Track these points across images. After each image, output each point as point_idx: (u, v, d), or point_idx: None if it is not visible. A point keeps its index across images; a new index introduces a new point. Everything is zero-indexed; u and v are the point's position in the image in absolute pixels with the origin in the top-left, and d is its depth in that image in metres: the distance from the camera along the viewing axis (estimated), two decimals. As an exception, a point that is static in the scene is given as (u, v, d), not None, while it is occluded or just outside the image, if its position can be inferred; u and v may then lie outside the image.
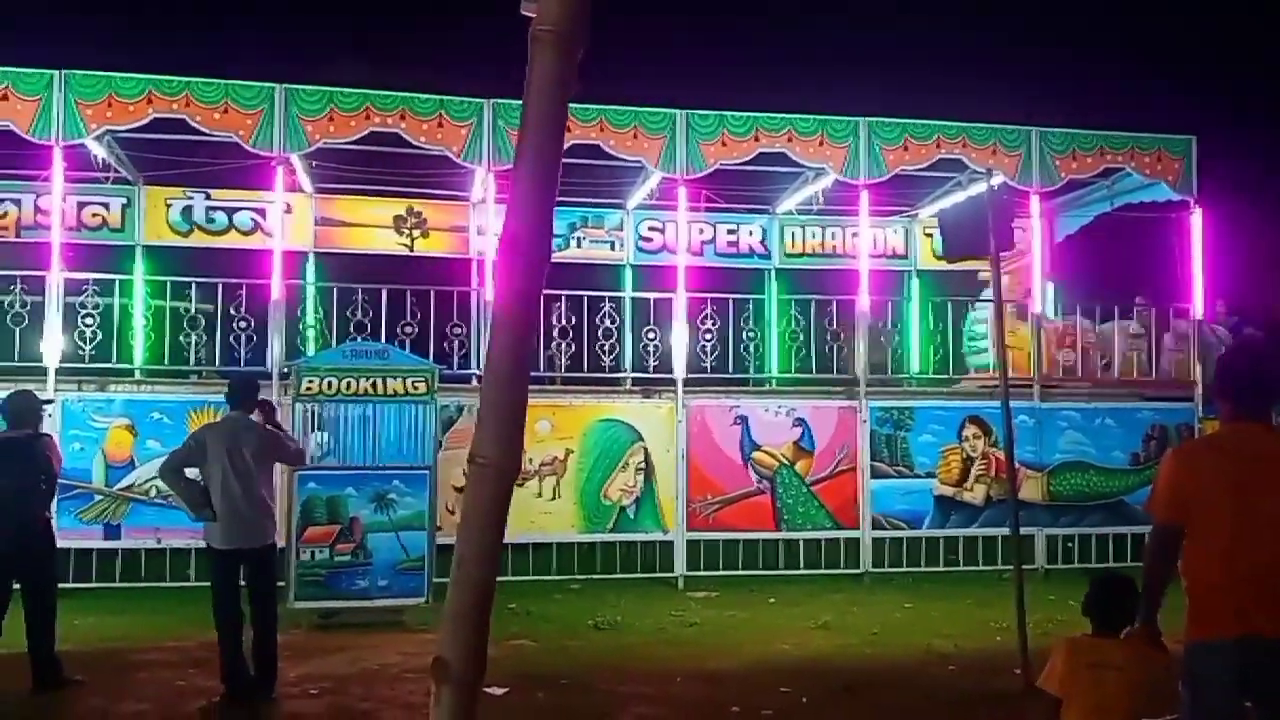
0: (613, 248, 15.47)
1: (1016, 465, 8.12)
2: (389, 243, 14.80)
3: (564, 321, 12.29)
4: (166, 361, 12.40)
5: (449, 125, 11.79)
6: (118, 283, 12.77)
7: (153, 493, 10.72)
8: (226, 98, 11.35)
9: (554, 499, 11.62)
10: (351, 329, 12.03)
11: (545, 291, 2.63)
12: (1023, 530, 8.28)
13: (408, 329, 11.97)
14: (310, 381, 9.83)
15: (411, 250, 14.83)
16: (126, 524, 10.89)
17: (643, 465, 11.88)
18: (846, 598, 10.98)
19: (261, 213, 14.06)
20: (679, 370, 12.17)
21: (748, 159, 12.56)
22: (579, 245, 15.25)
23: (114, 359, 11.94)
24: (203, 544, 7.38)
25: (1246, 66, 21.74)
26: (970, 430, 12.57)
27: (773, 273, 15.84)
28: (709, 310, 12.76)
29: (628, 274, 15.36)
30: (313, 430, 9.89)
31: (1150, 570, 4.02)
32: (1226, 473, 3.89)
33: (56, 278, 11.22)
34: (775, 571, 11.93)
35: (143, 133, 11.85)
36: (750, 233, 15.89)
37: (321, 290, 13.53)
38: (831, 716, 6.98)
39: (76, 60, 11.27)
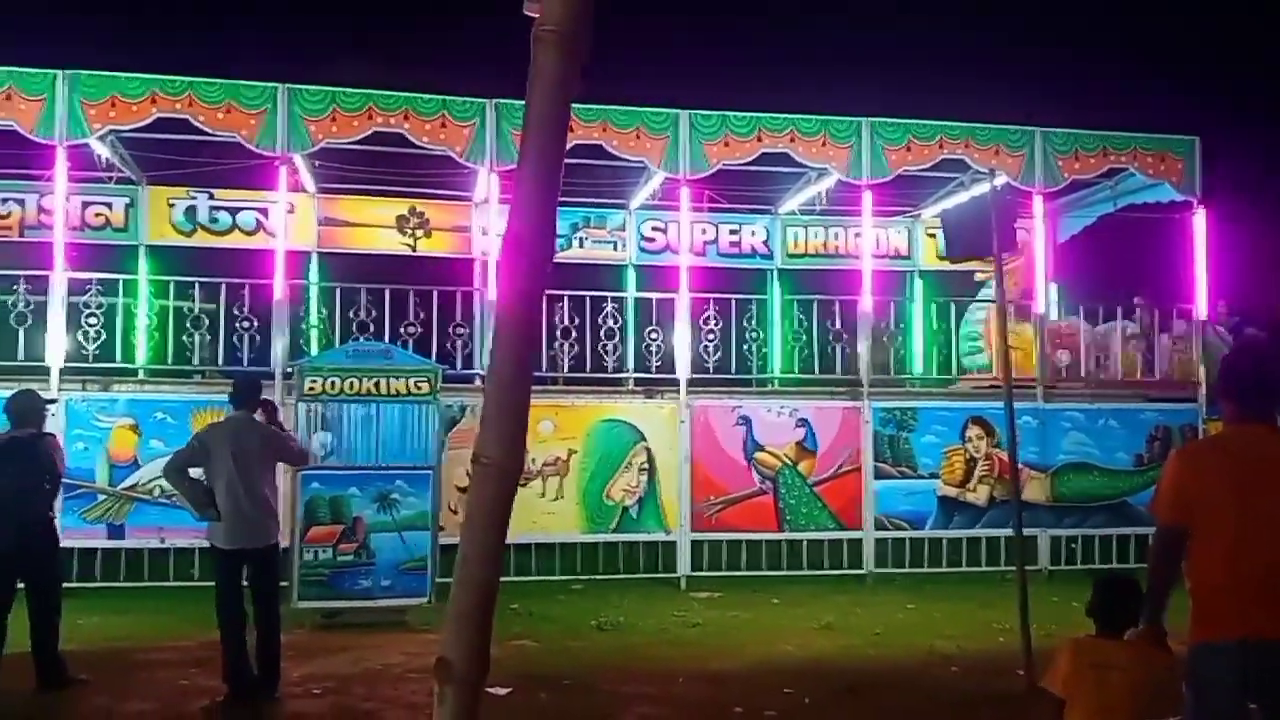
0: (615, 248, 15.46)
1: (1020, 466, 8.12)
2: (392, 243, 14.80)
3: (567, 322, 12.30)
4: (170, 361, 12.41)
5: (452, 125, 11.80)
6: (121, 282, 12.78)
7: (156, 492, 10.73)
8: (230, 98, 11.37)
9: (557, 499, 11.63)
10: (354, 329, 12.04)
11: (548, 292, 2.63)
12: (1026, 531, 8.28)
13: (411, 329, 11.97)
14: (313, 381, 9.83)
15: (414, 250, 14.83)
16: (130, 523, 10.91)
17: (645, 466, 11.88)
18: (849, 598, 10.98)
19: (264, 212, 14.06)
20: (682, 371, 12.17)
21: (750, 159, 12.56)
22: (582, 245, 15.25)
23: (117, 359, 11.96)
24: (206, 544, 7.39)
25: (1250, 67, 21.72)
26: (973, 431, 12.56)
27: (775, 273, 15.83)
28: (711, 311, 12.76)
29: (630, 274, 15.35)
30: (316, 430, 9.89)
31: (1154, 572, 4.02)
32: (1230, 474, 3.89)
33: (60, 277, 11.24)
34: (778, 572, 11.93)
35: (146, 132, 11.89)
36: (753, 233, 15.88)
37: (325, 290, 13.55)
38: (834, 717, 6.98)
39: (76, 60, 11.30)
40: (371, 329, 11.98)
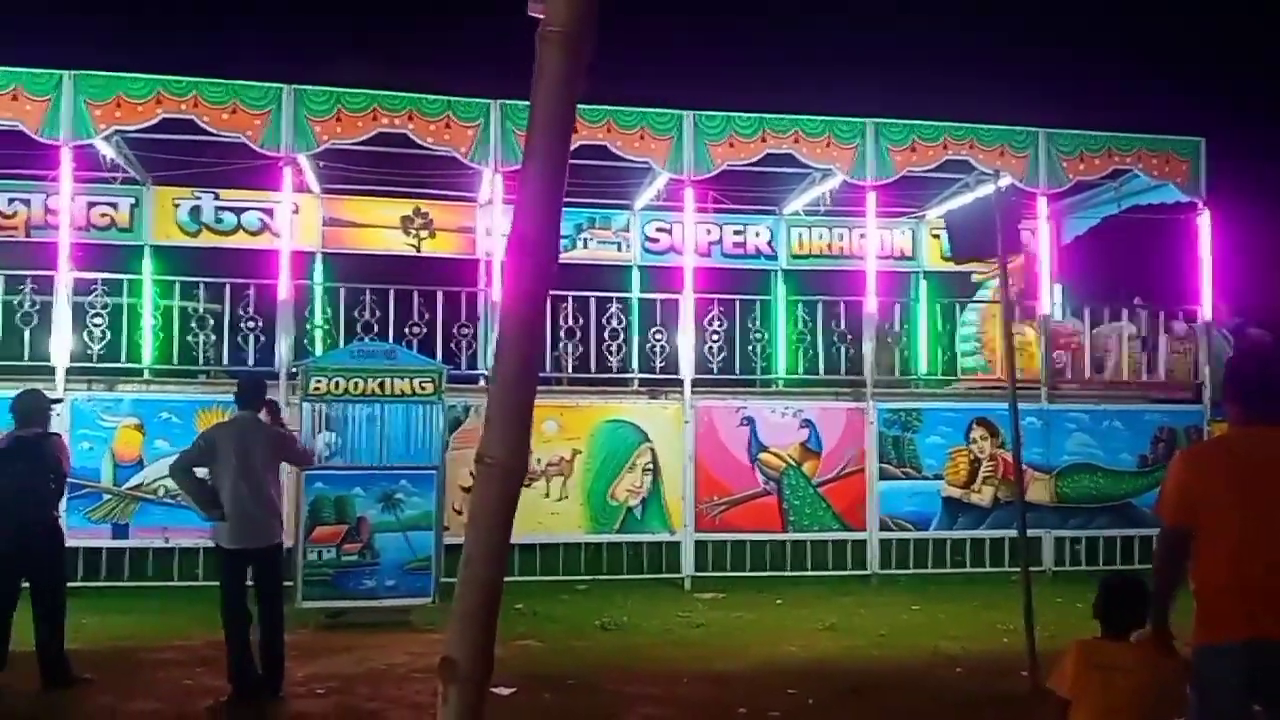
0: (620, 248, 15.47)
1: (1024, 467, 8.11)
2: (396, 243, 14.81)
3: (571, 322, 12.30)
4: (175, 361, 12.43)
5: (456, 126, 11.82)
6: (126, 282, 12.78)
7: (161, 492, 10.75)
8: (234, 98, 11.39)
9: (561, 499, 11.63)
10: (359, 329, 12.05)
11: (552, 292, 2.64)
12: (1030, 532, 8.29)
13: (415, 329, 11.98)
14: (318, 381, 9.84)
15: (419, 251, 14.84)
16: (135, 523, 10.92)
17: (650, 466, 11.88)
18: (853, 599, 10.97)
19: (269, 213, 14.08)
20: (686, 371, 12.17)
21: (755, 160, 12.55)
22: (586, 246, 15.26)
23: (122, 358, 11.97)
24: (210, 543, 7.41)
25: (1255, 68, 21.68)
26: (978, 432, 12.54)
27: (780, 274, 15.83)
28: (716, 311, 12.76)
29: (635, 275, 15.36)
30: (320, 430, 9.90)
31: (1160, 573, 4.02)
32: (1235, 476, 3.89)
33: (65, 277, 11.26)
34: (782, 573, 11.92)
35: (151, 133, 11.90)
36: (757, 234, 15.88)
37: (329, 290, 13.56)
38: (838, 718, 6.98)
39: (77, 60, 11.30)
40: (376, 329, 11.99)
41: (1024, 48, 22.22)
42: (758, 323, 13.20)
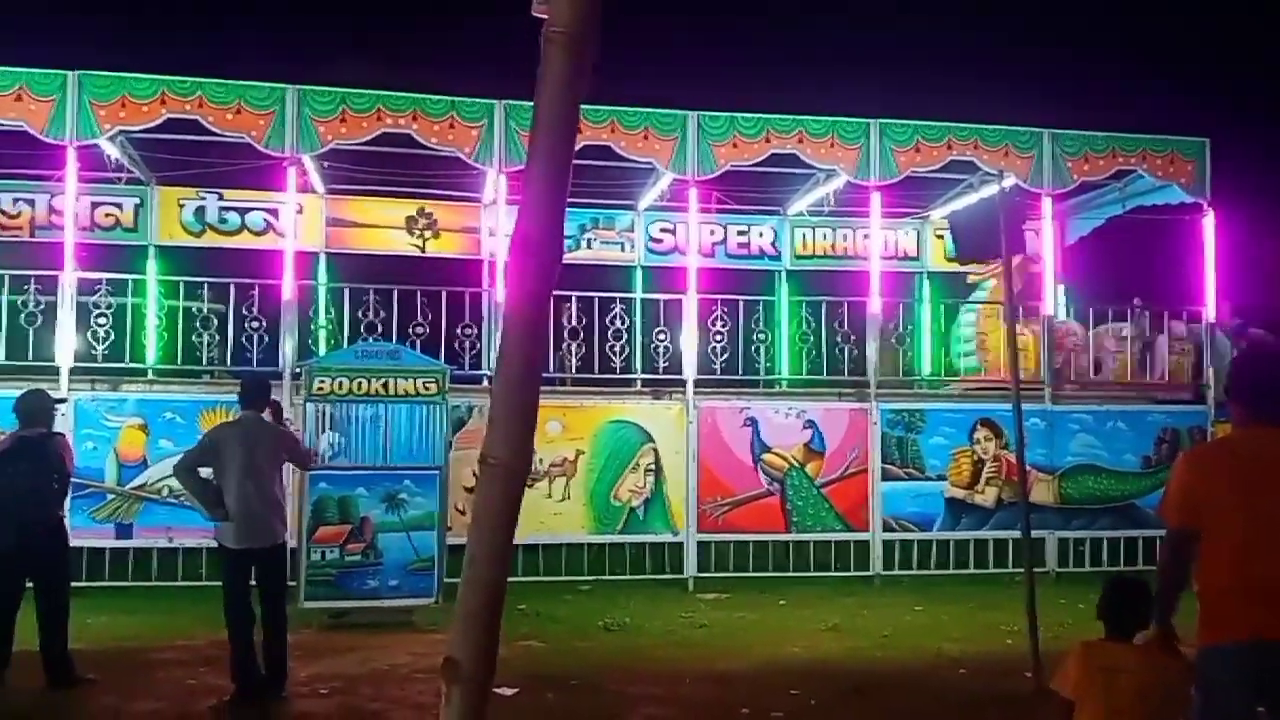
0: (623, 249, 15.48)
1: (1027, 468, 8.11)
2: (400, 243, 14.84)
3: (575, 322, 12.31)
4: (179, 361, 12.44)
5: (460, 126, 11.83)
6: (131, 282, 12.82)
7: (165, 492, 10.76)
8: (239, 98, 11.41)
9: (564, 500, 11.63)
10: (363, 329, 12.06)
11: (556, 292, 2.64)
12: (1033, 533, 8.28)
13: (419, 330, 11.99)
14: (322, 382, 9.84)
15: (423, 251, 14.86)
16: (138, 523, 10.93)
17: (653, 466, 11.88)
18: (856, 600, 10.96)
19: (274, 213, 14.10)
20: (689, 372, 12.17)
21: (759, 160, 12.55)
22: (590, 246, 15.27)
23: (127, 358, 11.98)
24: (214, 543, 7.41)
25: (1260, 69, 21.65)
26: (981, 433, 12.54)
27: (783, 274, 15.84)
28: (719, 312, 12.75)
29: (638, 275, 15.38)
30: (324, 430, 9.91)
31: (1164, 574, 4.01)
32: (1238, 476, 3.88)
33: (70, 277, 11.28)
34: (785, 573, 11.92)
35: (156, 133, 11.93)
36: (761, 234, 15.89)
37: (333, 291, 13.57)
38: (841, 719, 6.98)
39: (77, 60, 11.32)
40: (380, 329, 12.00)
41: (1025, 48, 22.22)
42: (761, 323, 13.20)
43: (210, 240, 14.39)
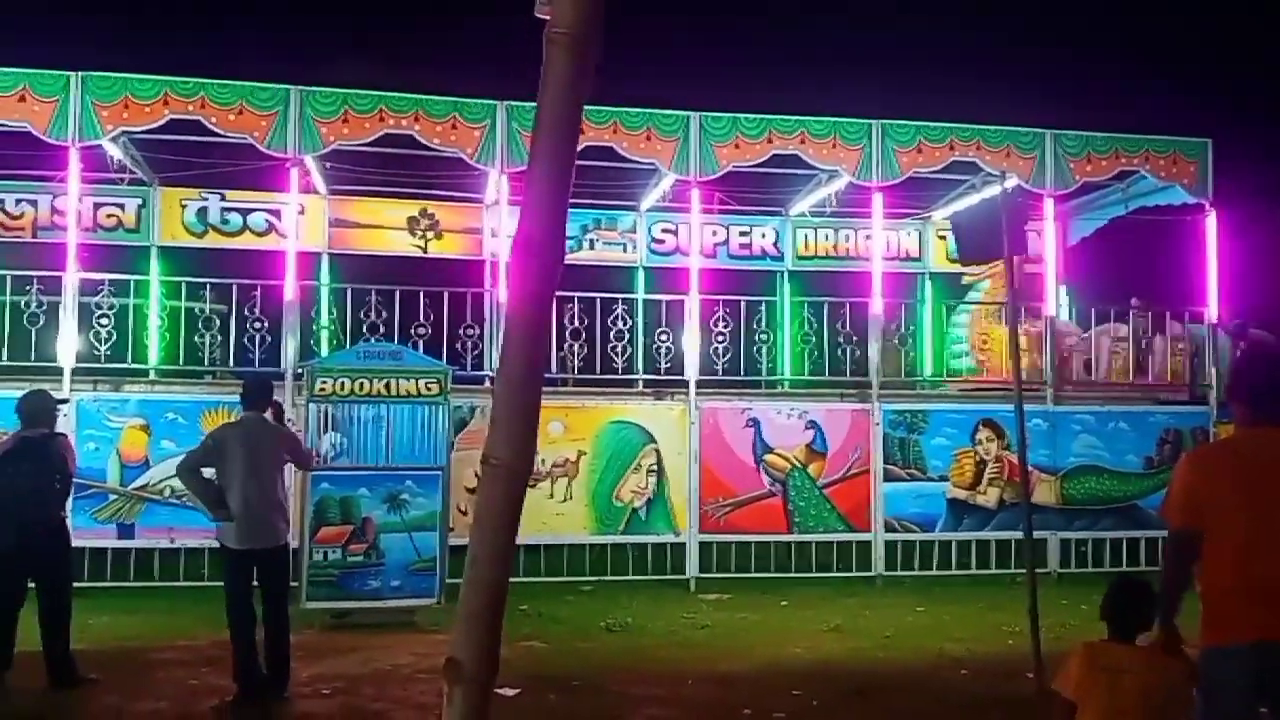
0: (626, 250, 15.49)
1: (1029, 468, 8.10)
2: (403, 244, 14.85)
3: (577, 323, 12.30)
4: (181, 362, 12.45)
5: (463, 127, 11.83)
6: (133, 283, 12.85)
7: (167, 492, 10.77)
8: (241, 99, 11.41)
9: (566, 500, 11.63)
10: (365, 330, 12.06)
11: (558, 293, 2.64)
12: (1036, 534, 8.25)
13: (421, 330, 11.99)
14: (324, 382, 9.85)
15: (425, 252, 14.87)
16: (140, 523, 10.94)
17: (655, 467, 11.87)
18: (858, 601, 10.96)
19: (276, 214, 14.11)
20: (691, 372, 12.16)
21: (761, 161, 12.55)
22: (592, 247, 15.28)
23: (129, 359, 12.00)
24: (216, 544, 7.41)
25: (1260, 69, 21.65)
26: (983, 433, 12.53)
27: (785, 275, 15.85)
28: (721, 312, 12.75)
29: (640, 276, 15.38)
30: (326, 431, 9.92)
31: (1168, 575, 4.01)
32: (1241, 477, 3.88)
33: (72, 278, 11.28)
34: (787, 574, 11.91)
35: (158, 134, 11.94)
36: (763, 235, 15.90)
37: (335, 291, 13.57)
38: (843, 720, 6.99)
39: (76, 59, 11.32)
40: (382, 330, 12.00)
41: (1025, 48, 22.22)
42: (763, 324, 13.19)
43: (212, 241, 14.40)
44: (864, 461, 12.28)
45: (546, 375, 3.03)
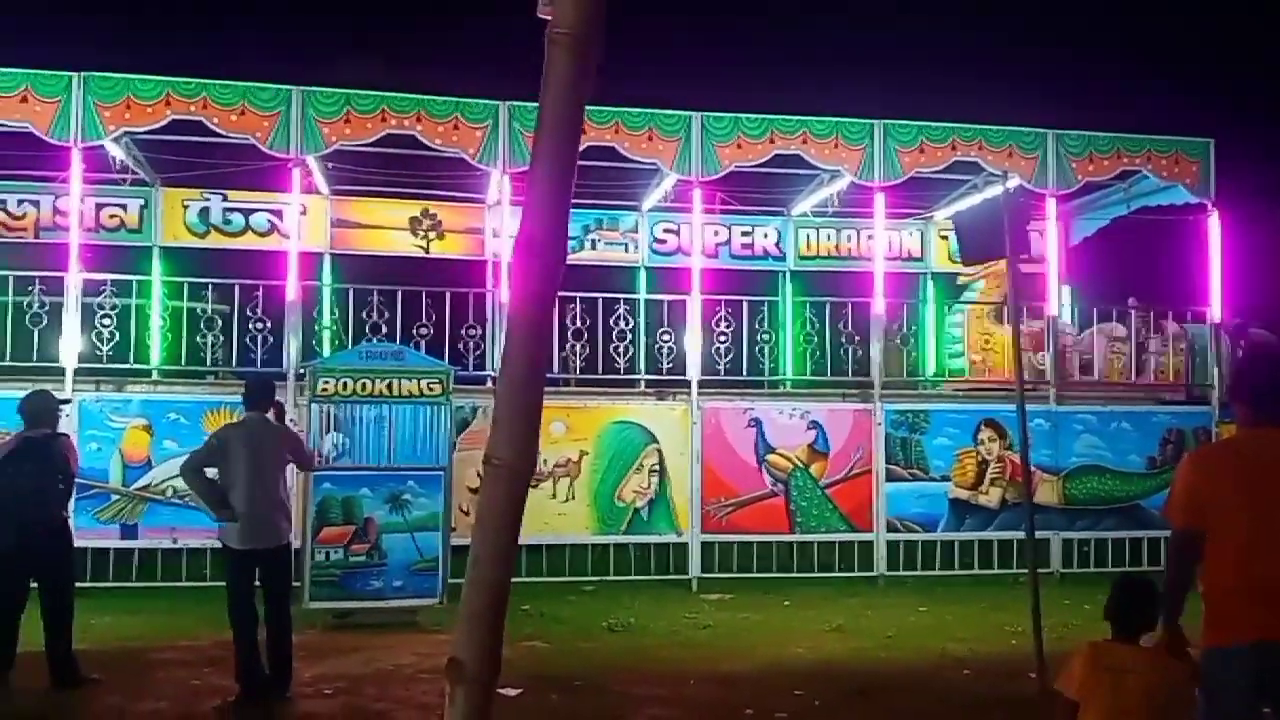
0: (627, 250, 15.48)
1: (1032, 468, 8.08)
2: (405, 244, 14.85)
3: (579, 323, 12.30)
4: (183, 362, 12.45)
5: (465, 127, 11.83)
6: (135, 283, 12.86)
7: (169, 492, 10.78)
8: (243, 100, 11.42)
9: (568, 500, 11.63)
10: (367, 330, 12.06)
11: (560, 293, 2.64)
12: (1038, 534, 8.25)
13: (423, 330, 11.99)
14: (326, 382, 9.85)
15: (427, 252, 14.88)
16: (143, 524, 10.95)
17: (657, 467, 11.88)
18: (861, 601, 10.96)
19: (278, 214, 14.13)
20: (693, 372, 12.16)
21: (763, 161, 12.55)
22: (594, 247, 15.28)
23: (131, 359, 12.02)
24: (218, 544, 7.41)
25: (1261, 69, 21.64)
26: (985, 433, 12.53)
27: (787, 275, 15.84)
28: (723, 312, 12.75)
29: (642, 276, 15.38)
30: (328, 431, 9.92)
31: (1170, 576, 4.01)
32: (1243, 477, 3.88)
33: (74, 279, 11.29)
34: (789, 574, 11.91)
35: (160, 134, 11.94)
36: (765, 235, 15.89)
37: (337, 291, 13.57)
38: (845, 720, 6.98)
39: (75, 59, 11.33)
40: (384, 330, 12.01)
41: (1025, 48, 22.21)
42: (765, 324, 13.19)
43: (214, 241, 14.41)
44: (866, 461, 12.28)
45: (548, 375, 3.03)
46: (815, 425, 12.26)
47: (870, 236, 14.49)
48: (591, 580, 11.54)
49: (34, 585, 7.31)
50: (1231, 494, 3.85)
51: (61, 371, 10.94)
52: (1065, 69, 22.09)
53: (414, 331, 11.95)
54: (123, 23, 20.29)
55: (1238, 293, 13.88)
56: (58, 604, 7.25)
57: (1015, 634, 8.93)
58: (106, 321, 11.64)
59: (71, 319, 11.13)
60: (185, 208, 14.35)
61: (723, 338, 12.68)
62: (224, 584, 7.19)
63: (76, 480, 7.79)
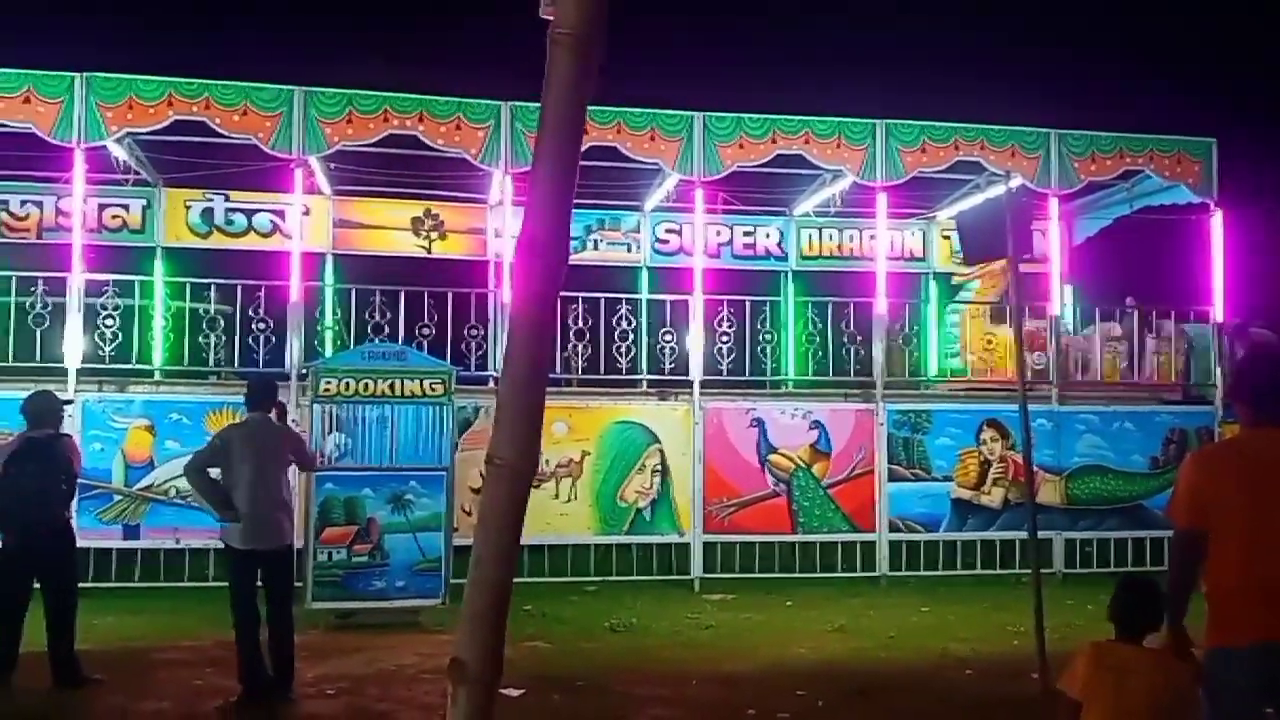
0: (630, 250, 15.48)
1: (1034, 468, 8.08)
2: (407, 245, 14.86)
3: (581, 323, 12.30)
4: (186, 362, 12.45)
5: (467, 128, 11.84)
6: (138, 284, 12.86)
7: (172, 493, 10.79)
8: (246, 100, 11.43)
9: (570, 501, 11.63)
10: (369, 331, 12.07)
11: (562, 293, 2.64)
12: (1040, 534, 8.25)
13: (425, 331, 12.00)
14: (328, 383, 9.86)
15: (429, 252, 14.88)
16: (145, 524, 10.96)
17: (659, 467, 11.88)
18: (863, 601, 10.95)
19: (280, 214, 14.13)
20: (695, 372, 12.17)
21: (765, 161, 12.55)
22: (596, 247, 15.28)
23: (134, 360, 12.02)
24: (220, 544, 7.42)
25: (1262, 69, 21.61)
26: (988, 433, 12.52)
27: (789, 275, 15.83)
28: (725, 312, 12.74)
29: (644, 276, 15.37)
30: (330, 431, 9.92)
31: (1174, 576, 4.00)
32: (1245, 477, 3.87)
33: (77, 279, 11.30)
34: (791, 574, 11.90)
35: (162, 135, 11.96)
36: (767, 235, 15.88)
37: (339, 292, 13.59)
38: (847, 720, 6.98)
39: (76, 59, 11.35)
40: (386, 330, 12.01)
41: (1026, 48, 22.19)
42: (767, 324, 13.19)
43: (217, 242, 14.42)
44: (868, 462, 12.27)
45: (551, 375, 3.03)
46: (817, 425, 12.26)
47: (872, 236, 14.48)
48: (594, 580, 11.54)
49: (37, 586, 7.31)
50: (1234, 494, 3.85)
51: (64, 372, 10.95)
52: (1067, 69, 22.07)
53: (416, 332, 11.96)
54: (125, 23, 20.29)
55: (1240, 292, 13.86)
56: (61, 604, 7.26)
57: (1018, 634, 8.93)
58: (109, 322, 11.64)
59: (74, 319, 11.14)
60: (188, 208, 14.36)
61: (725, 338, 12.67)
62: (226, 584, 7.19)
63: (79, 481, 7.79)
